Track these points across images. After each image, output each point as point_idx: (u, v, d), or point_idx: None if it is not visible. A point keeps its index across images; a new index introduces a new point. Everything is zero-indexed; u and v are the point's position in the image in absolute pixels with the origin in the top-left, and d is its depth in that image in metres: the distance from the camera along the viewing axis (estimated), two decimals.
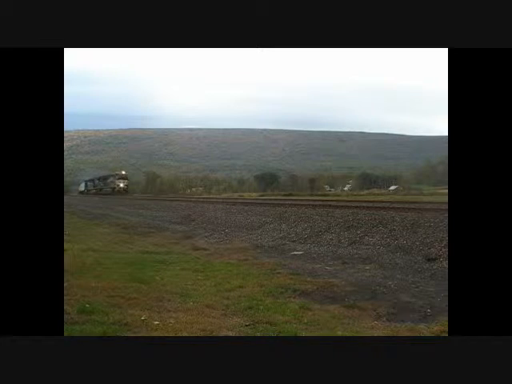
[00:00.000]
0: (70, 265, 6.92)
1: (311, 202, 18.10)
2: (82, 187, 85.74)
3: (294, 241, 11.03)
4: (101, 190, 62.06)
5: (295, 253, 9.73)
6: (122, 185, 55.05)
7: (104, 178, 63.31)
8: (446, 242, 8.03)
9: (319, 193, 65.26)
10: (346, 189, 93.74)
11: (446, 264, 7.30)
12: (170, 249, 10.57)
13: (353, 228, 10.76)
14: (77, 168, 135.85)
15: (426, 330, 4.37)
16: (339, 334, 4.18)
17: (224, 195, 59.36)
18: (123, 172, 60.28)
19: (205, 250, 10.44)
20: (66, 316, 4.06)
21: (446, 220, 8.50)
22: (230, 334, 4.19)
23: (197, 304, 5.27)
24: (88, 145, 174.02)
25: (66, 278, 4.74)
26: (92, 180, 72.35)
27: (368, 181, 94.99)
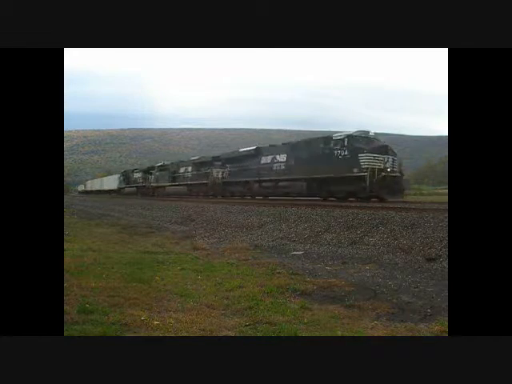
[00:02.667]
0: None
1: (311, 202, 18.08)
2: (110, 183, 53.93)
3: (293, 241, 11.03)
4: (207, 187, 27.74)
5: (295, 253, 9.72)
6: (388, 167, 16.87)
7: (233, 160, 26.24)
8: (445, 241, 8.03)
9: None
10: None
11: (445, 264, 7.30)
12: (169, 249, 10.57)
13: (353, 228, 10.76)
14: (77, 168, 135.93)
15: (426, 330, 4.36)
16: (339, 334, 4.18)
17: None
18: (371, 132, 18.98)
19: (205, 249, 10.43)
20: (65, 316, 4.06)
21: (446, 220, 8.50)
22: (230, 334, 4.19)
23: (197, 304, 5.26)
24: (88, 145, 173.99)
25: (65, 278, 4.75)
26: (152, 169, 39.44)
27: None
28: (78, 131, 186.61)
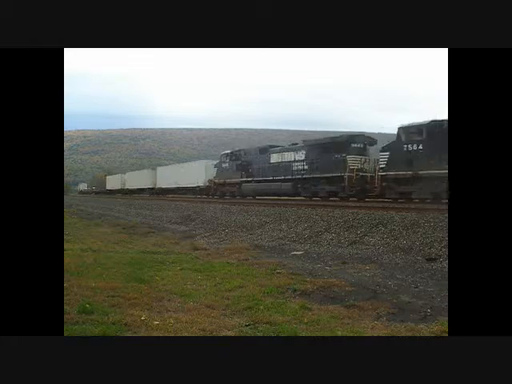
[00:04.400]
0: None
1: (311, 202, 18.09)
2: (184, 175, 30.78)
3: (293, 241, 11.03)
4: None
5: (295, 253, 9.72)
6: None
7: None
8: (445, 242, 8.03)
9: None
10: None
11: (445, 264, 7.30)
12: (170, 249, 10.57)
13: (353, 228, 10.76)
14: (77, 168, 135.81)
15: (426, 330, 4.36)
16: (339, 334, 4.18)
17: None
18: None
19: (205, 249, 10.44)
20: (65, 316, 4.06)
21: (446, 220, 8.50)
22: (230, 334, 4.19)
23: (197, 304, 5.27)
24: (88, 145, 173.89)
25: (65, 278, 4.75)
26: (355, 141, 17.20)
27: None
28: (78, 131, 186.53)
